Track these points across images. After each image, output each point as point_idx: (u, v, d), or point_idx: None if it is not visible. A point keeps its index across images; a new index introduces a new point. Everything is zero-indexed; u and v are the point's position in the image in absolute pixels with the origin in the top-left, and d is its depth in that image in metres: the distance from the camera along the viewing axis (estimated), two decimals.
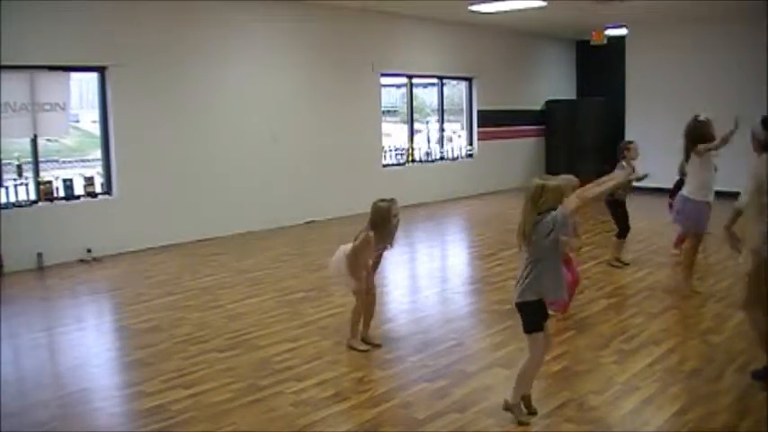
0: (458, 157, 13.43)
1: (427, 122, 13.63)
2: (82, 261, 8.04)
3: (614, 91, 13.84)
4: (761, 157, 4.25)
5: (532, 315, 3.70)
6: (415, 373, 4.55)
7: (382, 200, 4.93)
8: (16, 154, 8.20)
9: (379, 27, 11.51)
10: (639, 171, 7.06)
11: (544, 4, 10.53)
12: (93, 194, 8.44)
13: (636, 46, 13.59)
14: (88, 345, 5.45)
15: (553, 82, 15.73)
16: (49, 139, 8.54)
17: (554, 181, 3.66)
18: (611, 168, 7.54)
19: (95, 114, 8.70)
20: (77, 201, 8.31)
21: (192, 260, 8.09)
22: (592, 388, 4.21)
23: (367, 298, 5.05)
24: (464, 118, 13.82)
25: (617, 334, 5.26)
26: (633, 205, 7.66)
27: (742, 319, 5.46)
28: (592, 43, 13.65)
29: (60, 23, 7.83)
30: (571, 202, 3.54)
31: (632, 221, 7.50)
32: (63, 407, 4.12)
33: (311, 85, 10.60)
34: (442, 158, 13.11)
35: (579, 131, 14.36)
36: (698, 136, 6.07)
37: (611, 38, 13.43)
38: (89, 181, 8.44)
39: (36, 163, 8.05)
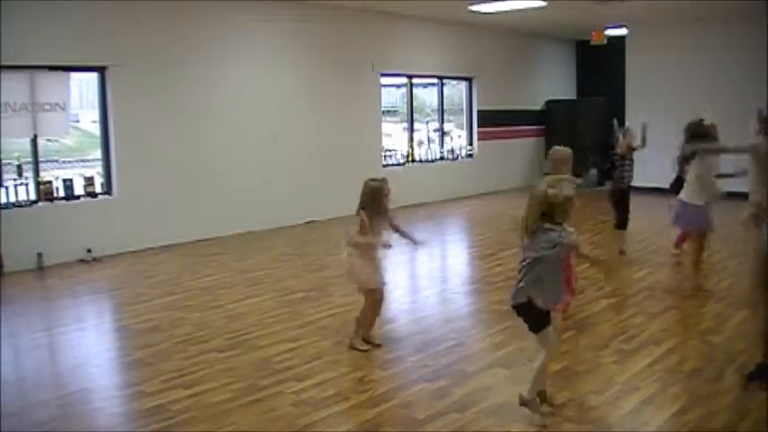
0: (458, 157, 13.43)
1: (427, 122, 13.63)
2: (82, 261, 8.04)
3: (614, 91, 13.83)
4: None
5: (534, 314, 3.70)
6: (415, 373, 4.55)
7: (373, 179, 4.96)
8: (16, 154, 8.20)
9: (379, 27, 11.52)
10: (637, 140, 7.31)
11: (544, 4, 10.53)
12: (93, 194, 8.44)
13: (636, 46, 13.58)
14: (88, 345, 5.45)
15: (553, 82, 15.73)
16: (49, 139, 8.54)
17: (562, 188, 3.64)
18: (612, 169, 7.59)
19: (95, 114, 8.69)
20: (77, 201, 8.31)
21: (191, 260, 8.09)
22: (592, 388, 4.21)
23: (375, 297, 5.04)
24: (464, 118, 13.82)
25: (617, 334, 5.26)
26: (633, 205, 7.68)
27: (742, 319, 5.49)
28: (592, 43, 13.66)
29: (60, 23, 7.83)
30: (581, 245, 3.74)
31: (632, 221, 7.51)
32: (63, 407, 4.12)
33: (311, 85, 10.61)
34: (442, 158, 13.11)
35: (579, 131, 14.33)
36: (700, 134, 6.06)
37: (611, 38, 13.43)
38: (89, 181, 8.44)
39: (36, 163, 8.05)
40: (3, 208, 7.61)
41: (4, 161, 7.93)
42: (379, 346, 5.04)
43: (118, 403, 4.23)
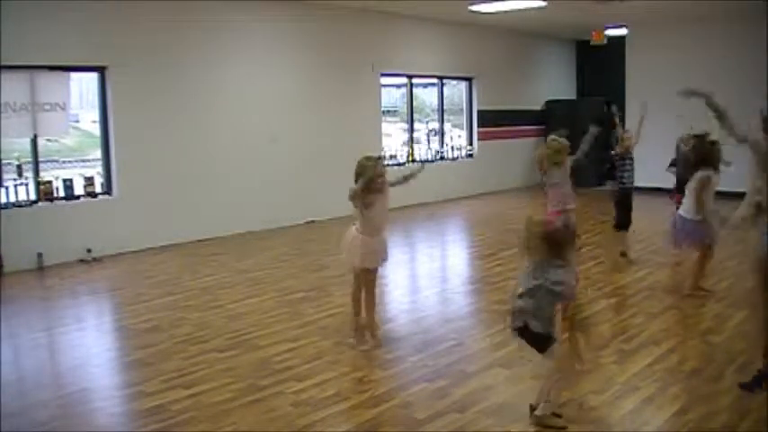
0: (458, 157, 13.43)
1: (427, 122, 13.63)
2: (82, 261, 8.04)
3: (614, 91, 13.82)
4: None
5: (534, 336, 3.68)
6: (415, 373, 4.55)
7: (368, 158, 4.96)
8: (16, 154, 8.20)
9: (379, 27, 11.52)
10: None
11: (544, 4, 10.53)
12: (93, 194, 8.44)
13: (636, 46, 13.59)
14: (88, 345, 5.45)
15: (553, 82, 15.73)
16: (49, 139, 8.54)
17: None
18: (611, 169, 7.58)
19: (95, 114, 8.70)
20: (77, 201, 8.31)
21: (191, 260, 8.09)
22: (592, 388, 4.21)
23: (367, 276, 5.05)
24: (464, 118, 13.82)
25: (617, 334, 5.26)
26: (633, 205, 7.66)
27: (742, 319, 5.49)
28: (592, 43, 13.66)
29: (60, 23, 7.83)
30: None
31: (633, 221, 7.49)
32: (63, 407, 4.12)
33: (311, 86, 10.61)
34: (442, 158, 13.12)
35: (579, 131, 14.30)
36: (707, 157, 6.00)
37: (611, 38, 13.43)
38: (89, 181, 8.44)
39: (36, 163, 8.05)
40: (3, 208, 7.61)
41: (4, 161, 7.93)
42: (377, 340, 5.06)
43: (118, 403, 4.23)
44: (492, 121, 13.97)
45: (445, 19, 12.29)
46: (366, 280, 5.09)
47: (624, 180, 7.27)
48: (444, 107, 13.37)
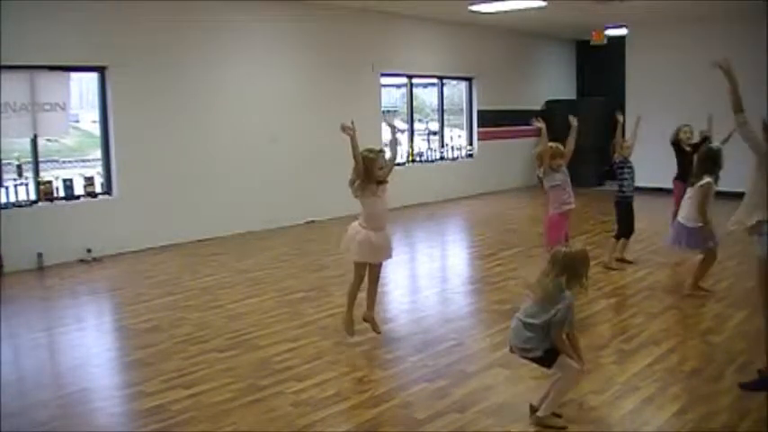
0: (458, 157, 13.43)
1: (427, 122, 13.63)
2: (82, 261, 8.04)
3: (614, 91, 13.83)
4: None
5: (545, 356, 3.68)
6: (415, 373, 4.55)
7: (370, 150, 4.96)
8: (16, 154, 8.20)
9: (379, 27, 11.52)
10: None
11: (544, 4, 10.53)
12: (93, 194, 8.45)
13: (636, 46, 13.59)
14: (88, 345, 5.45)
15: (553, 82, 15.73)
16: (49, 139, 8.54)
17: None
18: (611, 171, 7.59)
19: (95, 114, 8.70)
20: (77, 201, 8.31)
21: (192, 260, 8.09)
22: (592, 388, 4.20)
23: (371, 271, 5.06)
24: (464, 118, 13.82)
25: (617, 334, 5.26)
26: (634, 208, 7.65)
27: (742, 319, 5.49)
28: (592, 43, 13.66)
29: (60, 23, 7.83)
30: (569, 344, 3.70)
31: (634, 228, 7.48)
32: (63, 407, 4.12)
33: (311, 86, 10.61)
34: (442, 158, 13.12)
35: (579, 131, 14.30)
36: (711, 164, 5.99)
37: (611, 38, 13.43)
38: (89, 181, 8.44)
39: (36, 163, 8.06)
40: (3, 208, 7.61)
41: (4, 161, 7.94)
42: (377, 332, 5.09)
43: (118, 403, 4.23)
44: (492, 121, 13.96)
45: (445, 19, 12.29)
46: (371, 274, 5.10)
47: (624, 188, 7.23)
48: (444, 107, 13.37)
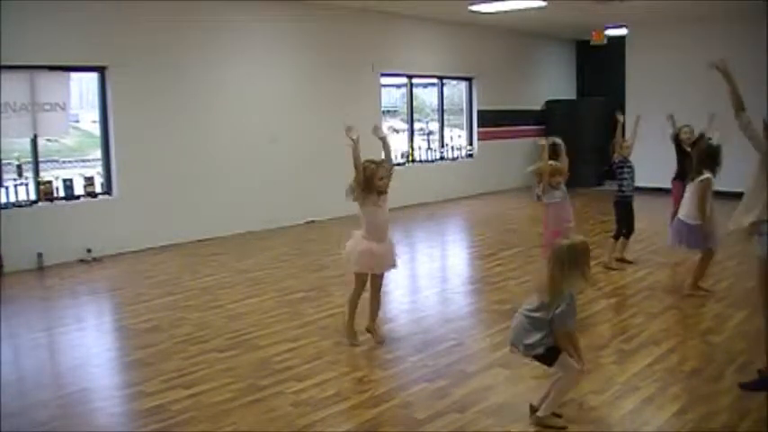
0: (458, 157, 13.43)
1: (427, 122, 13.63)
2: (82, 261, 8.04)
3: (614, 91, 13.84)
4: None
5: (546, 354, 3.68)
6: (415, 373, 4.55)
7: (371, 161, 4.96)
8: (16, 154, 8.20)
9: (379, 27, 11.52)
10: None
11: (544, 4, 10.53)
12: (93, 194, 8.45)
13: (636, 46, 13.59)
14: (88, 345, 5.45)
15: (553, 82, 15.73)
16: (49, 139, 8.54)
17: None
18: (610, 170, 7.59)
19: (95, 114, 8.70)
20: (77, 201, 8.31)
21: (192, 260, 8.09)
22: (592, 388, 4.20)
23: (373, 282, 5.05)
24: (464, 118, 13.82)
25: (617, 334, 5.26)
26: (634, 209, 7.65)
27: (742, 319, 5.49)
28: (592, 43, 13.66)
29: (60, 23, 7.83)
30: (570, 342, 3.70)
31: (634, 228, 7.47)
32: (63, 407, 4.12)
33: (311, 86, 10.61)
34: (442, 158, 13.12)
35: (579, 131, 14.33)
36: (710, 161, 5.97)
37: (611, 38, 13.43)
38: (89, 181, 8.44)
39: (36, 163, 8.06)
40: (3, 208, 7.61)
41: (4, 161, 7.94)
42: (380, 342, 5.06)
43: (118, 403, 4.23)
44: (492, 121, 13.97)
45: (445, 19, 12.29)
46: (373, 284, 5.09)
47: (623, 188, 7.22)
48: (444, 107, 13.37)
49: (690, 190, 6.07)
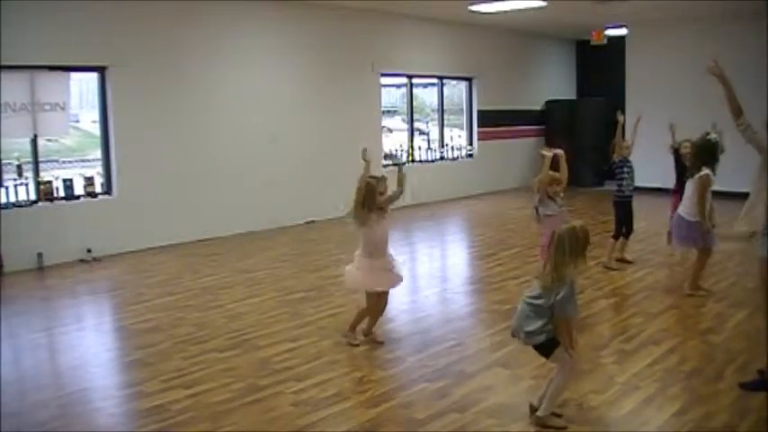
0: (458, 157, 13.44)
1: (427, 122, 13.63)
2: (82, 261, 8.04)
3: (614, 91, 13.83)
4: None
5: (546, 344, 3.69)
6: (415, 373, 4.55)
7: (372, 176, 4.96)
8: (16, 154, 8.20)
9: (379, 27, 11.52)
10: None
11: (544, 4, 10.53)
12: (93, 194, 8.45)
13: (636, 46, 13.58)
14: (88, 345, 5.45)
15: (553, 82, 15.73)
16: (49, 139, 8.54)
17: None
18: (610, 170, 7.58)
19: (95, 114, 8.70)
20: (77, 201, 8.31)
21: (192, 260, 8.09)
22: (592, 388, 4.21)
23: (380, 299, 5.05)
24: (464, 118, 13.82)
25: (617, 334, 5.26)
26: (633, 209, 7.65)
27: (742, 319, 5.49)
28: (592, 43, 13.67)
29: (60, 23, 7.83)
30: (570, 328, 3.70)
31: (633, 228, 7.47)
32: (63, 407, 4.12)
33: (311, 86, 10.61)
34: (442, 158, 13.12)
35: (579, 131, 14.36)
36: (708, 156, 5.96)
37: (611, 38, 13.44)
38: (89, 181, 8.44)
39: (36, 163, 8.06)
40: (3, 208, 7.61)
41: (4, 161, 7.94)
42: (381, 343, 5.06)
43: (118, 403, 4.23)
44: (492, 121, 13.97)
45: (445, 19, 12.29)
46: (378, 302, 5.06)
47: (623, 188, 7.21)
48: (444, 107, 13.37)
49: (690, 187, 6.08)
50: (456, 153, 13.42)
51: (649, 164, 9.82)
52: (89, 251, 8.12)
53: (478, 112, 13.73)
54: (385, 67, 11.71)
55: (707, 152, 5.97)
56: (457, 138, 13.79)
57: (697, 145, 6.11)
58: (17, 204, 7.78)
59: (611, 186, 7.79)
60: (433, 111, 13.58)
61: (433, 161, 12.95)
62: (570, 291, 3.58)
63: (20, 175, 8.04)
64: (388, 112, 12.87)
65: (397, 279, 5.07)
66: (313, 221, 10.46)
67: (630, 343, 5.03)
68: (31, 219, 7.80)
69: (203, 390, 4.30)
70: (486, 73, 13.71)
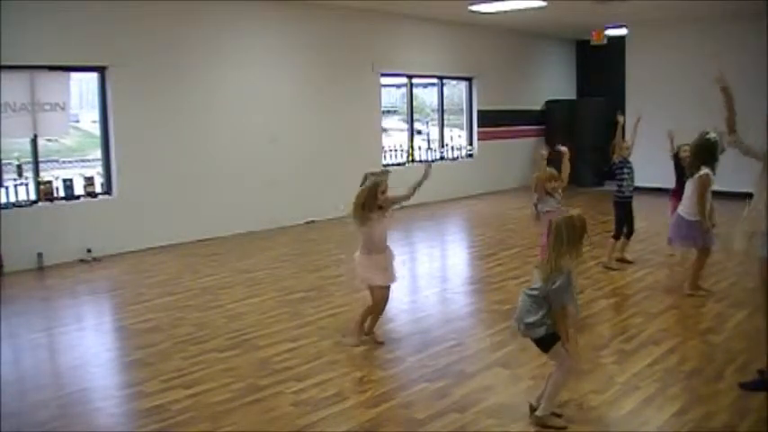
0: (458, 157, 13.43)
1: (427, 122, 13.63)
2: (82, 261, 8.04)
3: (614, 91, 13.84)
4: None
5: (545, 338, 3.68)
6: (415, 373, 4.55)
7: (374, 173, 4.98)
8: (16, 154, 8.20)
9: (379, 27, 11.52)
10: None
11: (544, 4, 10.53)
12: (93, 194, 8.44)
13: (636, 46, 13.58)
14: (88, 345, 5.45)
15: (553, 82, 15.73)
16: (49, 139, 8.54)
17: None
18: (610, 171, 7.57)
19: (95, 114, 8.70)
20: (77, 201, 8.31)
21: (192, 260, 8.09)
22: (592, 388, 4.21)
23: (382, 294, 5.06)
24: (464, 118, 13.82)
25: (617, 334, 5.26)
26: (633, 209, 7.65)
27: (742, 319, 5.49)
28: (592, 43, 13.67)
29: (60, 23, 7.82)
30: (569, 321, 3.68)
31: (634, 228, 7.46)
32: (63, 407, 4.12)
33: (311, 86, 10.61)
34: (442, 158, 13.11)
35: (579, 131, 14.35)
36: (707, 156, 5.95)
37: (611, 38, 13.44)
38: (89, 181, 8.44)
39: (36, 163, 8.06)
40: (3, 208, 7.61)
41: (4, 161, 7.94)
42: (381, 344, 5.05)
43: (118, 403, 4.23)
44: (492, 121, 13.97)
45: (445, 19, 12.29)
46: (377, 296, 5.07)
47: (623, 188, 7.20)
48: (444, 107, 13.37)
49: (689, 187, 6.08)
50: (456, 153, 13.42)
51: (649, 164, 9.81)
52: (89, 251, 8.12)
53: (478, 112, 13.73)
54: (385, 67, 11.71)
55: (706, 151, 5.97)
56: (457, 138, 13.79)
57: (696, 144, 6.10)
58: (17, 204, 7.78)
59: (611, 186, 7.79)
60: (432, 111, 13.58)
61: (432, 161, 12.93)
62: (566, 280, 3.56)
63: (20, 175, 8.04)
64: (388, 112, 12.87)
65: (392, 277, 5.09)
66: (313, 221, 10.46)
67: (630, 343, 5.03)
68: (31, 219, 7.80)
69: (203, 390, 4.30)
70: (486, 73, 13.71)
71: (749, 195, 4.52)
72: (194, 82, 9.16)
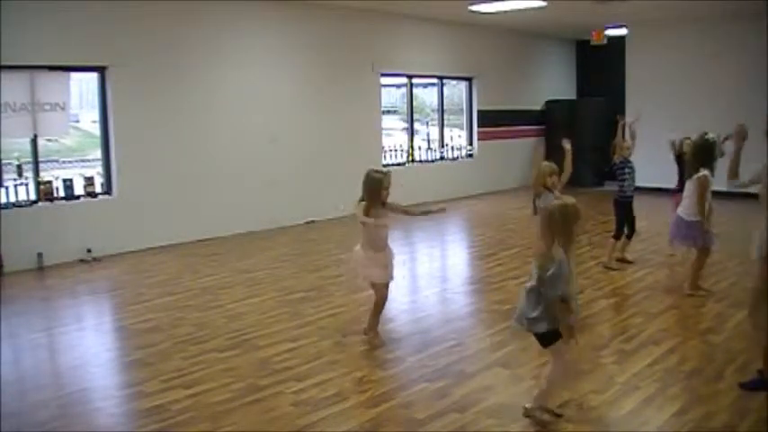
0: (458, 157, 13.43)
1: (427, 122, 13.63)
2: (82, 261, 8.04)
3: (614, 91, 13.84)
4: None
5: (547, 334, 3.68)
6: (415, 373, 4.55)
7: (376, 171, 4.97)
8: (16, 154, 8.20)
9: (379, 27, 11.52)
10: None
11: (544, 4, 10.53)
12: (93, 194, 8.44)
13: (636, 46, 13.58)
14: (88, 345, 5.45)
15: (553, 82, 15.73)
16: (49, 139, 8.53)
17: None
18: (611, 171, 7.57)
19: (95, 114, 8.70)
20: (77, 201, 8.31)
21: (192, 260, 8.09)
22: (592, 388, 4.21)
23: (381, 293, 5.07)
24: (464, 118, 13.82)
25: (617, 334, 5.26)
26: (634, 209, 7.65)
27: (742, 319, 5.48)
28: (592, 43, 13.66)
29: (60, 23, 7.82)
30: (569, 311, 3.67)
31: (635, 228, 7.46)
32: (63, 407, 4.12)
33: (311, 86, 10.60)
34: (442, 158, 13.12)
35: (579, 131, 14.33)
36: (706, 157, 5.95)
37: (611, 38, 13.43)
38: (89, 181, 8.44)
39: (36, 163, 8.06)
40: (3, 208, 7.61)
41: (4, 161, 7.94)
42: (381, 344, 5.05)
43: (118, 403, 4.23)
44: (492, 121, 13.96)
45: (445, 19, 12.29)
46: (377, 293, 5.08)
47: (624, 188, 7.20)
48: (444, 107, 13.37)
49: (689, 187, 6.08)
50: (456, 153, 13.42)
51: (650, 164, 9.83)
52: (89, 251, 8.12)
53: (478, 112, 13.73)
54: (385, 67, 11.71)
55: (705, 152, 5.97)
56: (457, 138, 13.79)
57: (695, 145, 6.11)
58: (17, 204, 7.78)
59: (611, 187, 7.79)
60: (432, 111, 13.58)
61: (432, 161, 12.95)
62: (559, 269, 3.52)
63: (20, 175, 8.04)
64: (389, 112, 12.86)
65: (390, 275, 5.09)
66: (313, 221, 10.46)
67: (630, 343, 5.03)
68: (31, 219, 7.80)
69: (203, 390, 4.30)
70: (486, 73, 13.71)
71: (751, 196, 4.52)
72: (194, 82, 9.16)
